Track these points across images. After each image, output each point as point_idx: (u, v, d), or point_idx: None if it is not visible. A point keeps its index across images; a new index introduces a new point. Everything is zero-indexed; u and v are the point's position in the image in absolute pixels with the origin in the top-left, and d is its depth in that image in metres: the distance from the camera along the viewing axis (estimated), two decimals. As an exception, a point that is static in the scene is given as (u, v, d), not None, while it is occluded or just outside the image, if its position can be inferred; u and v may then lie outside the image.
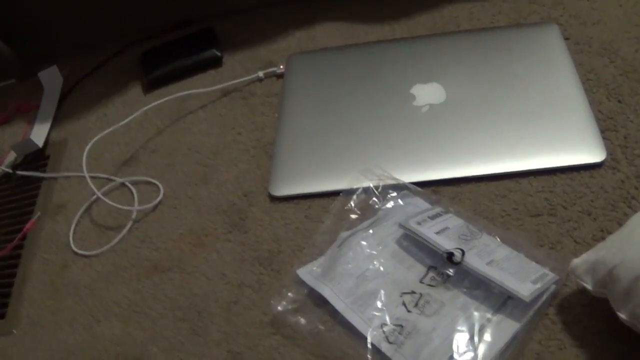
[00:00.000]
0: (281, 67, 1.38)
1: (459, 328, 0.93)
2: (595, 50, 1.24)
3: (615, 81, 1.19)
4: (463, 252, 0.96)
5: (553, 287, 0.94)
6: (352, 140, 1.20)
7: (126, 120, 1.33)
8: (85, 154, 1.29)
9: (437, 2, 1.43)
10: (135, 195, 1.28)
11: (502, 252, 0.99)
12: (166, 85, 1.47)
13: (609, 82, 1.19)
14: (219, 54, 1.46)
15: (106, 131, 1.32)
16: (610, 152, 1.09)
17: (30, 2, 1.55)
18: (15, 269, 1.29)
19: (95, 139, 1.32)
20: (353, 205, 1.11)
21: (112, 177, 1.32)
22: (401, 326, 0.94)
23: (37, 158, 1.46)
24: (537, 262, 0.97)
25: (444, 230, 1.02)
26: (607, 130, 1.12)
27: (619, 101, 1.16)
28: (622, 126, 1.12)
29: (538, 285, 0.92)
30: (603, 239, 0.94)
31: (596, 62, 1.22)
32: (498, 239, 1.01)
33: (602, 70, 1.21)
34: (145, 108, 1.35)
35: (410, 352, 0.92)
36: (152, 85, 1.47)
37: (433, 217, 1.05)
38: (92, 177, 1.31)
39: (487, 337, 0.91)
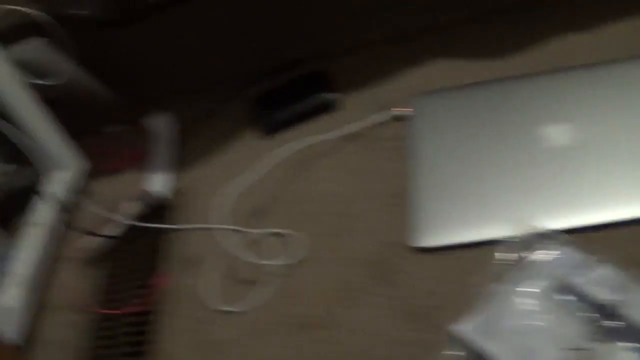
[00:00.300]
0: (404, 109, 1.36)
1: (629, 384, 0.90)
2: None
3: None
4: (625, 304, 0.94)
5: None
6: (491, 187, 1.19)
7: (256, 170, 1.34)
8: (222, 205, 1.31)
9: (553, 34, 1.41)
10: (274, 249, 1.28)
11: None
12: (285, 130, 1.47)
13: None
14: (337, 96, 1.46)
15: (243, 184, 1.33)
16: None
17: (138, 48, 1.56)
18: (147, 327, 1.29)
19: (232, 191, 1.32)
20: (503, 256, 1.10)
21: (245, 230, 1.32)
22: (568, 384, 0.93)
23: (159, 209, 1.46)
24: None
25: (601, 282, 0.99)
26: None
27: None
28: None
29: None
30: None
31: None
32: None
33: None
34: (274, 156, 1.35)
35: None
36: (271, 131, 1.47)
37: (587, 268, 1.02)
38: (223, 230, 1.31)
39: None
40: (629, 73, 1.27)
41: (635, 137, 1.16)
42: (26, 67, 1.46)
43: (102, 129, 1.71)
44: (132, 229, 1.45)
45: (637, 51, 1.30)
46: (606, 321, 0.96)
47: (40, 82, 1.47)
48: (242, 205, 1.36)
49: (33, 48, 1.48)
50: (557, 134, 1.21)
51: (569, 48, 1.37)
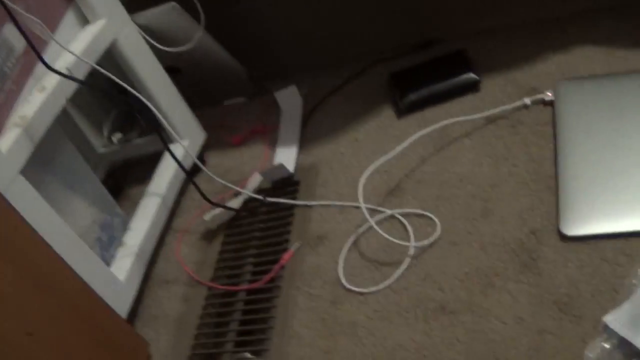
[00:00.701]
0: (549, 94, 1.31)
1: None
2: None
3: None
4: None
5: None
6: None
7: (397, 150, 1.29)
8: (361, 183, 1.25)
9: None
10: (410, 229, 1.23)
11: None
12: (421, 109, 1.42)
13: None
14: (477, 77, 1.41)
15: (379, 162, 1.28)
16: None
17: (265, 21, 1.53)
18: (272, 303, 1.26)
19: (371, 169, 1.27)
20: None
21: (379, 209, 1.28)
22: None
23: (286, 184, 1.43)
24: None
25: None
26: None
27: None
28: None
29: None
30: None
31: None
32: None
33: None
34: (416, 136, 1.30)
35: None
36: (407, 109, 1.43)
37: None
38: (355, 208, 1.27)
39: None
40: None
41: None
42: (155, 33, 1.44)
43: (228, 100, 1.69)
44: (253, 202, 1.41)
45: None
46: None
47: (169, 49, 1.43)
48: (376, 183, 1.33)
49: (163, 13, 1.46)
50: None
51: None
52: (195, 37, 1.46)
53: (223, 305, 1.32)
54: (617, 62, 1.35)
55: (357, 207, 1.29)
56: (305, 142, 1.49)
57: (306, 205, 1.37)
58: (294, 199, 1.38)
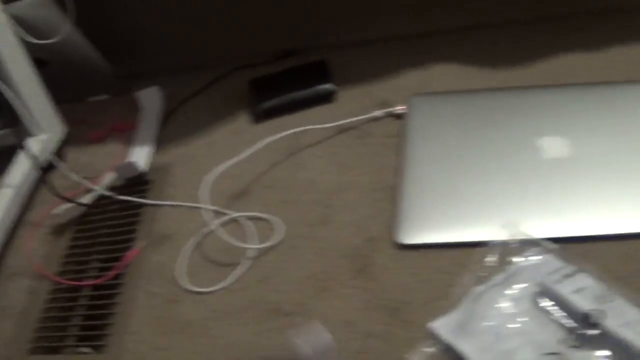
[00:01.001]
0: (400, 107, 1.34)
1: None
2: None
3: None
4: (602, 314, 0.93)
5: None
6: (479, 190, 1.17)
7: (247, 154, 1.30)
8: (209, 185, 1.27)
9: (553, 51, 1.41)
10: (251, 232, 1.24)
11: (636, 315, 0.95)
12: (278, 116, 1.43)
13: None
14: (334, 88, 1.43)
15: (228, 163, 1.29)
16: None
17: (130, 17, 1.53)
18: (114, 300, 1.25)
19: (219, 170, 1.29)
20: (488, 259, 1.07)
21: (223, 211, 1.29)
22: (544, 389, 0.91)
23: (138, 182, 1.43)
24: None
25: (581, 290, 0.99)
26: None
27: None
28: None
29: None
30: None
31: None
32: (632, 302, 0.97)
33: None
34: (266, 142, 1.32)
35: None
36: (263, 116, 1.44)
37: (568, 276, 1.01)
38: (201, 209, 1.28)
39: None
40: (627, 95, 1.28)
41: (626, 158, 1.16)
42: (22, 23, 1.42)
43: (92, 96, 1.67)
44: (105, 199, 1.40)
45: (636, 75, 1.32)
46: (583, 329, 0.95)
47: (35, 40, 1.42)
48: (224, 186, 1.34)
49: (31, 4, 1.44)
50: (551, 146, 1.20)
51: (574, 65, 1.37)
52: (63, 30, 1.44)
53: (67, 300, 1.30)
54: (473, 80, 1.40)
55: (206, 209, 1.28)
56: (161, 142, 1.48)
57: (155, 205, 1.36)
58: (144, 197, 1.37)
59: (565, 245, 1.07)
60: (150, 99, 1.54)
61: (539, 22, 1.47)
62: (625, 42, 1.40)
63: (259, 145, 1.31)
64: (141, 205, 1.37)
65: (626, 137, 1.19)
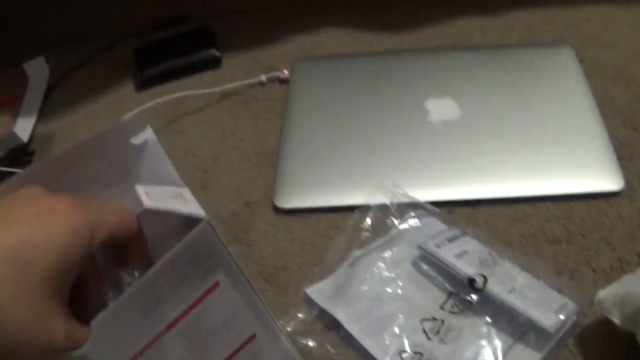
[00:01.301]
0: (285, 72, 1.33)
1: (480, 357, 0.88)
2: (610, 75, 1.22)
3: (630, 107, 1.17)
4: (485, 279, 0.92)
5: (574, 317, 0.90)
6: (363, 154, 1.15)
7: (119, 120, 1.26)
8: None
9: (447, 14, 1.41)
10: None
11: (524, 279, 0.94)
12: (161, 83, 1.40)
13: (624, 108, 1.17)
14: (218, 54, 1.41)
15: (95, 130, 1.27)
16: (627, 181, 1.06)
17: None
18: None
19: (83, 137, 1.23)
20: (366, 223, 1.06)
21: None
22: (420, 354, 0.89)
23: (21, 153, 1.38)
24: (557, 290, 0.93)
25: (464, 254, 0.98)
26: (624, 158, 1.10)
27: (634, 129, 1.14)
28: (639, 155, 1.10)
29: (561, 316, 0.88)
30: (621, 269, 0.94)
31: (611, 87, 1.20)
32: (517, 266, 0.97)
33: (617, 96, 1.19)
34: (141, 108, 1.28)
35: (429, 381, 0.86)
36: (146, 83, 1.40)
37: (451, 240, 1.00)
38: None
39: (509, 367, 0.86)
40: (519, 58, 1.28)
41: (514, 122, 1.16)
42: None
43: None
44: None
45: (531, 39, 1.34)
46: (465, 294, 0.94)
47: None
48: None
49: None
50: (438, 108, 1.19)
51: (468, 29, 1.38)
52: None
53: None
54: (360, 45, 1.39)
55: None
56: (45, 113, 1.44)
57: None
58: (26, 168, 1.33)
59: (451, 209, 1.07)
60: (36, 71, 1.50)
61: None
62: (519, 5, 1.41)
63: (136, 111, 1.27)
64: (20, 175, 1.32)
65: (516, 100, 1.19)
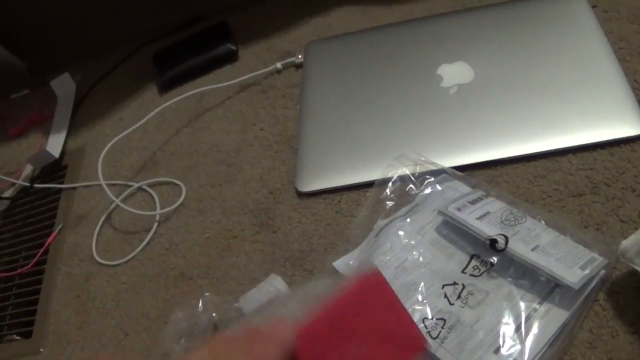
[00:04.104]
0: (299, 56, 1.33)
1: (504, 319, 0.87)
2: (625, 17, 1.18)
3: (648, 48, 1.12)
4: (507, 239, 0.90)
5: (602, 271, 0.87)
6: (380, 128, 1.15)
7: (141, 122, 1.29)
8: (100, 160, 1.25)
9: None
10: (157, 199, 1.23)
11: (548, 236, 0.92)
12: (182, 84, 1.42)
13: (642, 49, 1.13)
14: (233, 47, 1.41)
15: (120, 135, 1.28)
16: (650, 123, 1.02)
17: (35, 12, 1.51)
18: (39, 285, 1.26)
19: (110, 144, 1.27)
20: (389, 193, 1.06)
21: (129, 183, 1.28)
22: (444, 320, 0.89)
23: (54, 169, 1.43)
24: (584, 245, 0.91)
25: (486, 216, 0.96)
26: (645, 100, 1.06)
27: (654, 69, 1.10)
28: (660, 95, 1.06)
29: (587, 271, 0.86)
30: (650, 216, 0.88)
31: (626, 29, 1.16)
32: (542, 223, 0.95)
33: (633, 38, 1.15)
34: (160, 108, 1.31)
35: (454, 346, 0.86)
36: (167, 86, 1.42)
37: (473, 202, 0.99)
38: (110, 185, 1.27)
39: (535, 328, 0.85)
40: (526, 13, 1.24)
41: (527, 77, 1.13)
42: None
43: (13, 94, 1.66)
44: (24, 190, 1.40)
45: None
46: (486, 256, 0.93)
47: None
48: (132, 159, 1.34)
49: None
50: (452, 73, 1.18)
51: None
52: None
53: (1, 291, 1.32)
54: (370, 20, 1.37)
55: (113, 185, 1.27)
56: (75, 127, 1.47)
57: (70, 188, 1.35)
58: (61, 183, 1.37)
59: (472, 172, 1.06)
60: (63, 87, 1.53)
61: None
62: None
63: (154, 112, 1.30)
64: (59, 190, 1.37)
65: (530, 55, 1.16)
